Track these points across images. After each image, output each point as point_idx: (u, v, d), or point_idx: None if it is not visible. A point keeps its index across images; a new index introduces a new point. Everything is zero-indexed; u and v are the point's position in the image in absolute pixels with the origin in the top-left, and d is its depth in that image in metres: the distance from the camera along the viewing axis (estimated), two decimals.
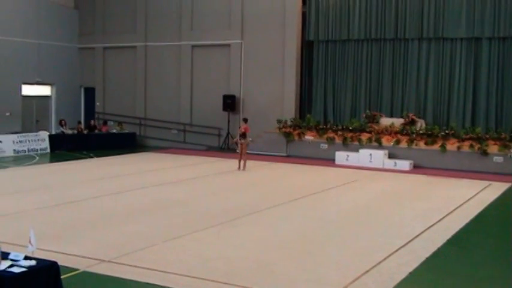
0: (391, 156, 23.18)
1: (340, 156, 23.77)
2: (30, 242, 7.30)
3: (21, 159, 23.61)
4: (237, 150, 21.86)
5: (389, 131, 24.16)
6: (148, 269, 9.17)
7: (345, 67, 27.27)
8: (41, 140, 25.78)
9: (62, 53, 30.92)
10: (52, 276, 7.15)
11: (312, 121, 25.96)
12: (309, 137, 25.41)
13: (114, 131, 28.86)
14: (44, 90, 30.52)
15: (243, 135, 21.43)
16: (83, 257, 9.72)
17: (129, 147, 27.51)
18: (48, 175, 19.75)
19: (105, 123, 29.42)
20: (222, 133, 28.30)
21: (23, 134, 25.58)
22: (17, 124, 27.99)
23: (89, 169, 21.27)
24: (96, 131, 28.47)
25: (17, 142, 24.77)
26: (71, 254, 9.83)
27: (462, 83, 24.95)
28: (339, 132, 24.90)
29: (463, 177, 20.48)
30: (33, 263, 6.99)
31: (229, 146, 27.02)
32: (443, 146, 22.75)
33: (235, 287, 8.48)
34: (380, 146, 23.74)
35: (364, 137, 24.36)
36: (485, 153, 22.07)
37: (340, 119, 26.96)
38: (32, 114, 29.66)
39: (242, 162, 21.16)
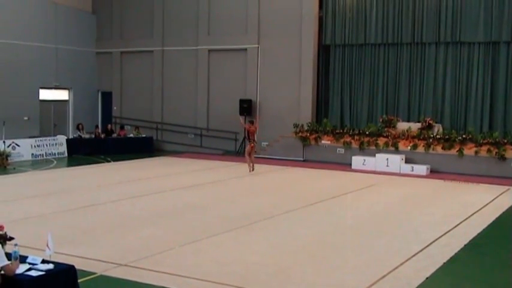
0: (408, 160, 23.06)
1: (357, 160, 23.69)
2: (47, 245, 7.34)
3: (39, 163, 23.78)
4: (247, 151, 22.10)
5: (406, 136, 24.05)
6: (165, 273, 9.20)
7: (361, 71, 27.18)
8: (58, 144, 25.96)
9: (80, 57, 31.12)
10: (69, 280, 7.18)
11: (329, 125, 25.91)
12: (325, 141, 25.35)
13: (131, 135, 28.99)
14: (62, 95, 30.72)
15: (253, 136, 21.65)
16: (100, 260, 9.77)
17: (146, 151, 27.58)
18: (66, 179, 19.87)
19: (121, 127, 29.55)
20: (239, 137, 28.30)
21: (41, 138, 25.74)
22: (35, 128, 28.19)
23: (106, 173, 21.39)
24: (114, 135, 28.61)
25: (35, 146, 24.97)
26: (88, 257, 9.89)
27: (480, 87, 24.77)
28: (356, 137, 24.80)
29: (480, 182, 20.32)
30: (50, 266, 7.03)
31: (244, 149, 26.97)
32: (460, 151, 22.61)
33: None
34: (397, 151, 23.63)
35: (381, 141, 24.27)
36: (503, 158, 21.90)
37: (356, 124, 26.88)
38: (49, 119, 29.85)
39: (252, 163, 21.56)
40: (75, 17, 30.97)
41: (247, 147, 21.99)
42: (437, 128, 24.27)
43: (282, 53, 27.46)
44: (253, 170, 21.51)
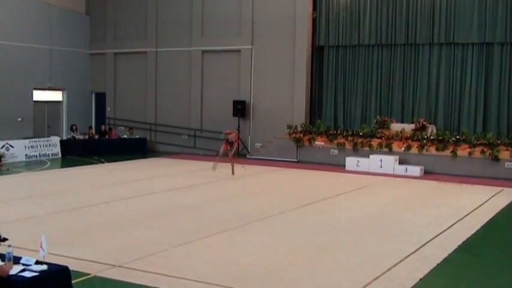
0: (401, 162, 23.10)
1: (351, 161, 23.71)
2: (41, 246, 7.33)
3: (32, 164, 23.73)
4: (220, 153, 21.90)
5: (400, 137, 24.08)
6: (158, 274, 9.19)
7: (355, 72, 27.21)
8: (52, 145, 25.93)
9: (73, 58, 31.06)
10: (63, 281, 7.17)
11: (322, 126, 25.92)
12: (319, 142, 25.37)
13: (125, 136, 28.95)
14: (56, 96, 30.65)
15: (231, 144, 21.54)
16: (94, 261, 9.75)
17: (139, 152, 27.56)
18: (60, 180, 19.83)
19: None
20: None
21: (35, 139, 25.71)
22: (29, 129, 28.12)
23: (100, 174, 21.35)
24: (107, 136, 28.58)
25: (28, 147, 24.93)
26: (82, 258, 9.87)
27: (473, 88, 24.83)
28: (349, 138, 24.82)
29: (474, 183, 20.36)
30: (44, 267, 7.01)
31: (239, 151, 26.90)
32: (454, 152, 22.66)
33: None
34: (391, 152, 23.66)
35: (375, 142, 24.29)
36: (496, 159, 21.94)
37: (350, 125, 26.90)
38: (43, 120, 29.78)
39: (231, 167, 21.46)
40: (69, 18, 30.90)
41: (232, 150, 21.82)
42: (431, 129, 24.32)
43: (276, 54, 27.46)
44: (234, 174, 21.41)
